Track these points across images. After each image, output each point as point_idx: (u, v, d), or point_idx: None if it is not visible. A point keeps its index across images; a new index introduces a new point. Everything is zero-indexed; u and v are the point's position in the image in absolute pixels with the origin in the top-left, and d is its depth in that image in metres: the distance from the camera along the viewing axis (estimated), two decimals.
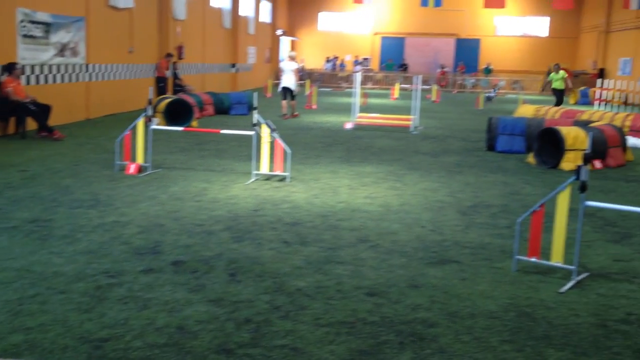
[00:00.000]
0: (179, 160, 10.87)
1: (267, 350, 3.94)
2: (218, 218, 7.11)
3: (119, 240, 6.16)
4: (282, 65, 19.05)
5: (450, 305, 4.78)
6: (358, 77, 18.09)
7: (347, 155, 12.15)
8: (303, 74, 34.32)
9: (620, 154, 11.91)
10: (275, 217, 7.24)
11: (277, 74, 40.16)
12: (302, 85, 19.24)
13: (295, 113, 19.34)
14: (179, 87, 21.27)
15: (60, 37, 15.15)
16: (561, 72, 23.57)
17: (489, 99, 27.00)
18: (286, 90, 18.64)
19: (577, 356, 4.01)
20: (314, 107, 23.03)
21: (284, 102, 18.99)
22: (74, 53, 15.90)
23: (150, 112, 9.66)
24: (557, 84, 23.43)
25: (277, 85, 35.56)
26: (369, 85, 38.93)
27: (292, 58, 18.87)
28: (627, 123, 15.26)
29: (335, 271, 5.45)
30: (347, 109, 21.55)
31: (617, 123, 15.12)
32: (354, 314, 4.55)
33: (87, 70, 16.65)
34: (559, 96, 23.53)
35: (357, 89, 17.55)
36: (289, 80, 18.47)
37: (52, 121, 13.33)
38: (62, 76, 15.49)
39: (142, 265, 5.42)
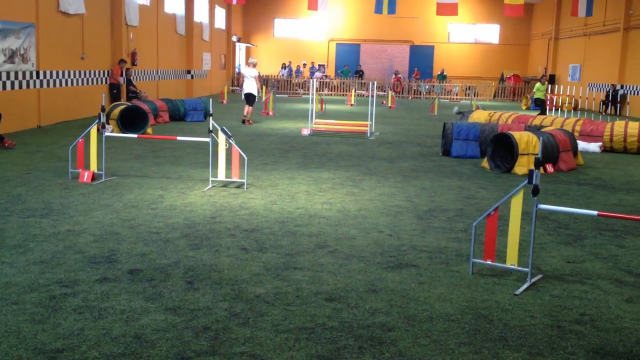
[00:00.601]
0: (134, 168, 10.73)
1: (226, 357, 3.91)
2: (175, 225, 7.04)
3: (73, 249, 6.04)
4: (243, 71, 19.24)
5: (408, 309, 4.82)
6: (314, 83, 18.14)
7: (305, 161, 12.16)
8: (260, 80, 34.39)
9: (571, 158, 12.19)
10: (233, 223, 7.20)
11: (233, 80, 40.08)
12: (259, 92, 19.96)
13: (250, 121, 19.31)
14: (132, 94, 21.02)
15: (9, 43, 14.82)
16: (546, 83, 25.63)
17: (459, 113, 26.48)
18: (249, 96, 18.92)
19: (532, 356, 4.08)
20: (271, 113, 23.00)
21: (247, 107, 19.21)
22: (24, 59, 15.57)
23: (103, 119, 9.52)
24: (541, 95, 25.15)
25: (233, 91, 35.50)
26: (326, 92, 39.07)
27: (252, 65, 19.18)
28: (578, 128, 15.63)
29: (294, 277, 5.44)
30: (303, 115, 21.59)
31: (568, 128, 15.48)
32: (313, 319, 4.55)
33: (38, 77, 16.32)
34: (542, 106, 25.17)
35: (313, 95, 17.60)
36: (250, 86, 18.81)
37: (2, 129, 13.02)
38: (12, 83, 15.15)
39: (97, 275, 5.33)
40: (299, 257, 6.02)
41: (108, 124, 14.92)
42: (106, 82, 20.65)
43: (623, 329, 4.58)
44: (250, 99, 18.97)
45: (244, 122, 19.13)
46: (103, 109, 9.52)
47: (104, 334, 4.18)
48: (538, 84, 25.27)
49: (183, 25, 29.62)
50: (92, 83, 19.77)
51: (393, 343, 4.20)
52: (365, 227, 7.27)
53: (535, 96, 25.20)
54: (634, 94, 28.18)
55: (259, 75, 19.38)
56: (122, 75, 20.74)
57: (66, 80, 17.98)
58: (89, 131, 9.42)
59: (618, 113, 28.47)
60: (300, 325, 4.43)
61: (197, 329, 4.30)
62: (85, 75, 19.22)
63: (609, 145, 15.07)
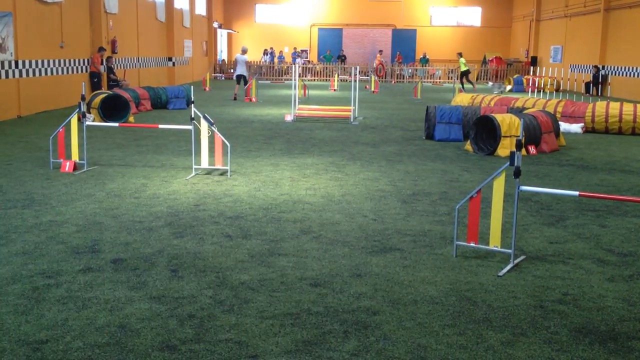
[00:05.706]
0: (116, 157, 10.65)
1: (212, 345, 3.91)
2: (158, 214, 7.00)
3: (55, 239, 6.00)
4: (237, 57, 23.95)
5: (393, 292, 4.83)
6: (296, 69, 18.08)
7: (288, 147, 12.14)
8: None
9: (554, 139, 12.26)
10: (217, 211, 7.18)
11: (215, 67, 39.91)
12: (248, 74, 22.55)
13: (245, 97, 22.74)
14: (113, 82, 20.84)
15: None
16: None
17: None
18: (240, 77, 23.41)
19: (516, 337, 4.12)
20: (254, 99, 22.91)
21: (238, 87, 23.39)
22: (2, 49, 15.37)
23: (83, 108, 9.43)
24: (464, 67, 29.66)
25: (216, 78, 35.35)
26: (309, 77, 38.95)
27: (244, 52, 23.50)
28: (559, 109, 15.70)
29: (278, 263, 5.44)
30: (287, 101, 21.53)
31: (550, 109, 15.55)
32: (298, 305, 4.55)
33: (17, 67, 16.13)
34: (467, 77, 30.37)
35: (296, 80, 17.54)
36: (242, 69, 23.37)
37: None
38: None
39: (80, 265, 5.30)
40: (284, 243, 6.02)
41: (89, 113, 14.79)
42: (86, 71, 20.45)
43: (605, 307, 4.63)
44: (243, 79, 23.39)
45: (235, 99, 22.84)
46: (83, 98, 9.43)
47: (88, 324, 4.16)
48: (462, 59, 29.69)
49: (163, 11, 29.35)
50: (72, 72, 19.57)
51: (378, 327, 4.22)
52: (349, 212, 7.28)
53: (464, 69, 29.28)
54: (615, 74, 28.34)
55: (248, 61, 23.82)
56: (102, 63, 20.54)
57: (46, 70, 17.78)
58: (70, 120, 9.33)
59: (600, 94, 28.63)
60: (285, 311, 4.44)
61: (182, 317, 4.30)
62: (64, 64, 19.02)
63: (590, 126, 15.16)
